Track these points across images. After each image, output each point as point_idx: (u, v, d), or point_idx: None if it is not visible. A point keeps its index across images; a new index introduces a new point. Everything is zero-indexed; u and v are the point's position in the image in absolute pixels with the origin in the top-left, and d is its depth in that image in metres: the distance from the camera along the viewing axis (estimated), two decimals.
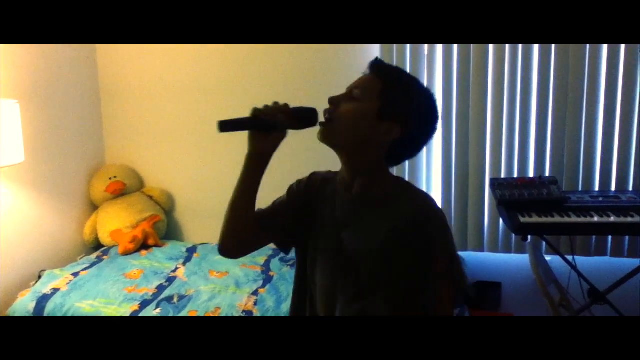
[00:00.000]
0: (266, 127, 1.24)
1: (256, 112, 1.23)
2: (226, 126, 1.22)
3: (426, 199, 1.31)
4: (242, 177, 1.30)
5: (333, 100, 1.26)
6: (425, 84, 3.01)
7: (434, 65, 3.05)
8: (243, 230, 1.32)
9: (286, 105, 1.27)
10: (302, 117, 1.26)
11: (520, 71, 2.94)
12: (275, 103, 1.25)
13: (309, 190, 1.38)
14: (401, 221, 1.25)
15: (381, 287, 1.27)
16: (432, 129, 1.33)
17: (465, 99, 3.00)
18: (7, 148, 2.27)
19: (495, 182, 2.82)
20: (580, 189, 2.97)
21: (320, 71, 3.19)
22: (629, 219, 2.53)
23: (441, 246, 1.27)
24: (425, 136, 1.33)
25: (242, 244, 1.36)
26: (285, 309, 2.45)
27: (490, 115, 3.00)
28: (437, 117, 1.34)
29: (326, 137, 1.26)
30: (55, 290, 2.64)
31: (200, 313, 2.45)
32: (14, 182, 2.77)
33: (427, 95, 1.33)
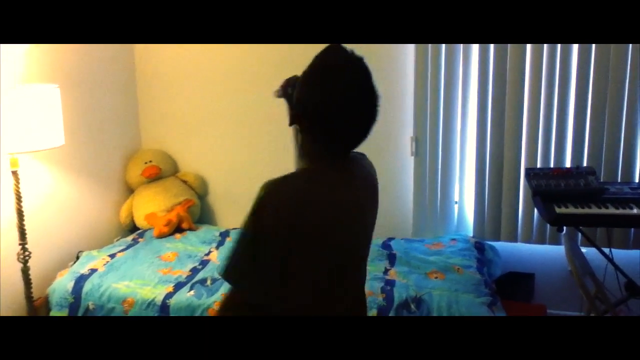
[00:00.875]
0: None
1: None
2: None
3: (267, 184, 1.20)
4: None
5: None
6: (460, 72, 3.01)
7: (470, 53, 3.00)
8: None
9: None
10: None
11: (559, 60, 2.87)
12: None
13: None
14: None
15: None
16: (327, 127, 1.23)
17: (501, 88, 2.95)
18: (48, 131, 2.33)
19: (531, 172, 2.77)
20: (619, 180, 2.90)
21: None
22: None
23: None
24: (322, 132, 1.24)
25: None
26: None
27: (527, 104, 2.95)
28: (329, 117, 1.21)
29: None
30: (93, 270, 2.72)
31: None
32: (54, 164, 2.85)
33: (323, 91, 1.21)
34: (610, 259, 2.81)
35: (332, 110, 1.20)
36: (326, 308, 1.28)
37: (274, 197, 1.16)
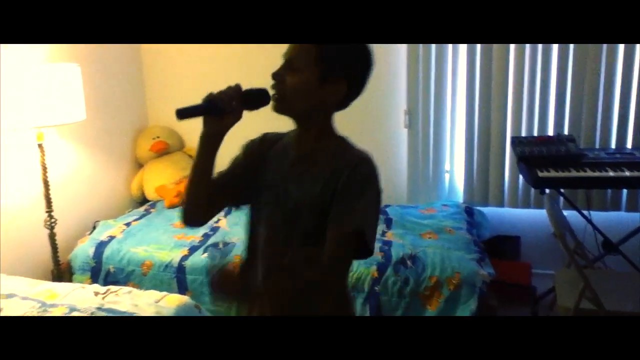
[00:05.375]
0: (219, 112, 1.30)
1: (210, 97, 1.30)
2: (183, 113, 1.28)
3: (361, 150, 1.36)
4: (199, 157, 1.37)
5: (277, 76, 1.33)
6: (450, 48, 3.23)
7: None
8: (203, 204, 1.41)
9: (238, 87, 1.33)
10: (254, 99, 1.33)
11: None
12: (229, 88, 1.32)
13: (262, 148, 1.46)
14: (339, 167, 1.31)
15: (322, 232, 1.31)
16: (371, 70, 1.36)
17: (488, 62, 3.16)
18: (70, 107, 2.51)
19: (516, 140, 3.00)
20: (597, 146, 3.13)
21: None
22: None
23: (368, 186, 1.31)
24: (367, 78, 1.37)
25: (203, 214, 1.45)
26: None
27: (512, 77, 3.16)
28: (372, 59, 1.36)
29: (279, 110, 1.34)
30: (112, 237, 2.92)
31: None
32: (73, 140, 3.03)
33: (360, 45, 1.35)
34: (589, 220, 3.06)
35: (371, 63, 1.40)
36: None
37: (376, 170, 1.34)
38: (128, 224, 3.08)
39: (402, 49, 3.31)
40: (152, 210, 3.34)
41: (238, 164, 1.45)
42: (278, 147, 1.44)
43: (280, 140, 1.46)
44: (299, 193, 1.34)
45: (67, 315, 1.99)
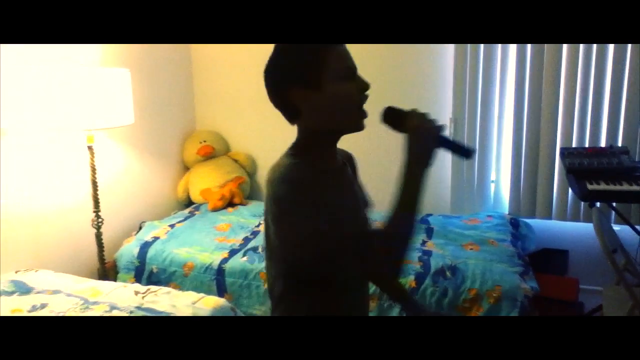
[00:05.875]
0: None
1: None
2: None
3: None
4: (419, 195, 1.19)
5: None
6: (499, 54, 3.16)
7: None
8: None
9: None
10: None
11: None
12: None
13: (324, 177, 1.27)
14: (349, 165, 1.40)
15: None
16: None
17: (538, 69, 3.07)
18: (120, 110, 2.59)
19: (565, 152, 2.90)
20: None
21: (397, 70, 3.39)
22: None
23: None
24: None
25: None
26: None
27: (564, 85, 3.05)
28: None
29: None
30: (156, 238, 3.00)
31: None
32: (122, 142, 3.13)
33: None
34: None
35: None
36: None
37: None
38: (172, 226, 3.16)
39: (449, 55, 3.26)
40: (196, 212, 3.41)
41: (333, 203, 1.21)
42: (330, 170, 1.31)
43: (314, 163, 1.29)
44: (365, 196, 1.40)
45: (107, 312, 2.05)
